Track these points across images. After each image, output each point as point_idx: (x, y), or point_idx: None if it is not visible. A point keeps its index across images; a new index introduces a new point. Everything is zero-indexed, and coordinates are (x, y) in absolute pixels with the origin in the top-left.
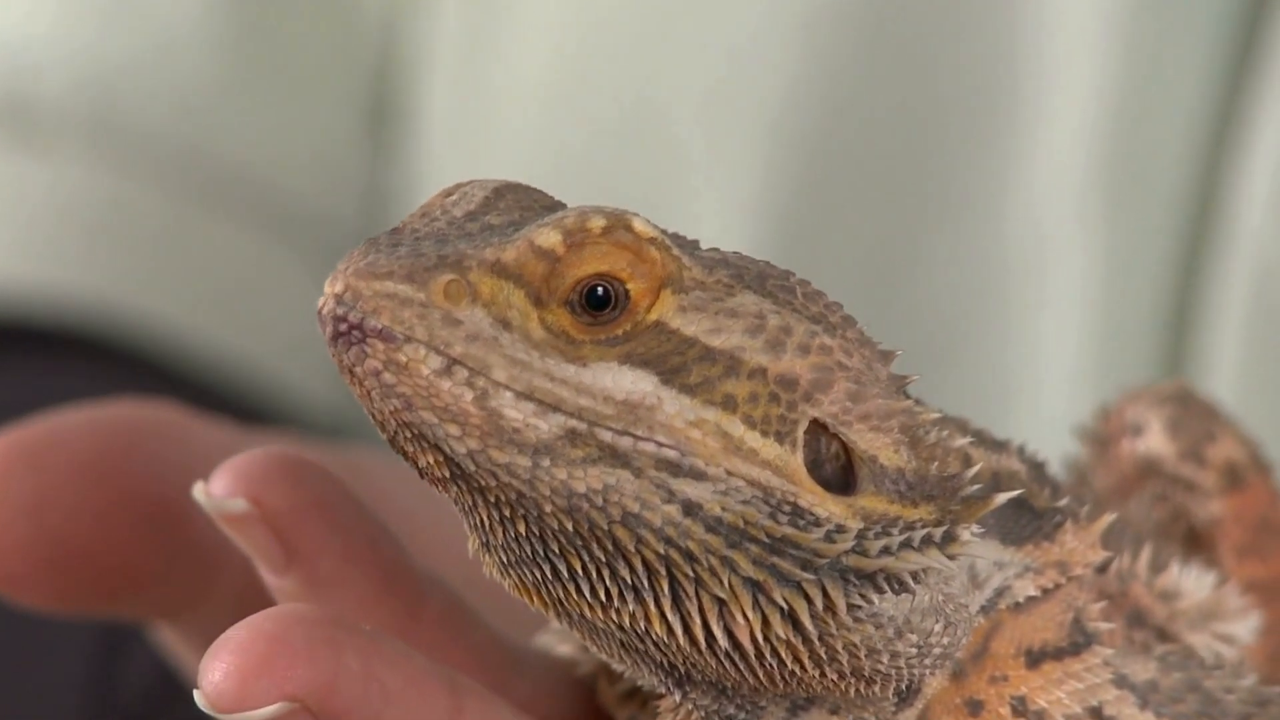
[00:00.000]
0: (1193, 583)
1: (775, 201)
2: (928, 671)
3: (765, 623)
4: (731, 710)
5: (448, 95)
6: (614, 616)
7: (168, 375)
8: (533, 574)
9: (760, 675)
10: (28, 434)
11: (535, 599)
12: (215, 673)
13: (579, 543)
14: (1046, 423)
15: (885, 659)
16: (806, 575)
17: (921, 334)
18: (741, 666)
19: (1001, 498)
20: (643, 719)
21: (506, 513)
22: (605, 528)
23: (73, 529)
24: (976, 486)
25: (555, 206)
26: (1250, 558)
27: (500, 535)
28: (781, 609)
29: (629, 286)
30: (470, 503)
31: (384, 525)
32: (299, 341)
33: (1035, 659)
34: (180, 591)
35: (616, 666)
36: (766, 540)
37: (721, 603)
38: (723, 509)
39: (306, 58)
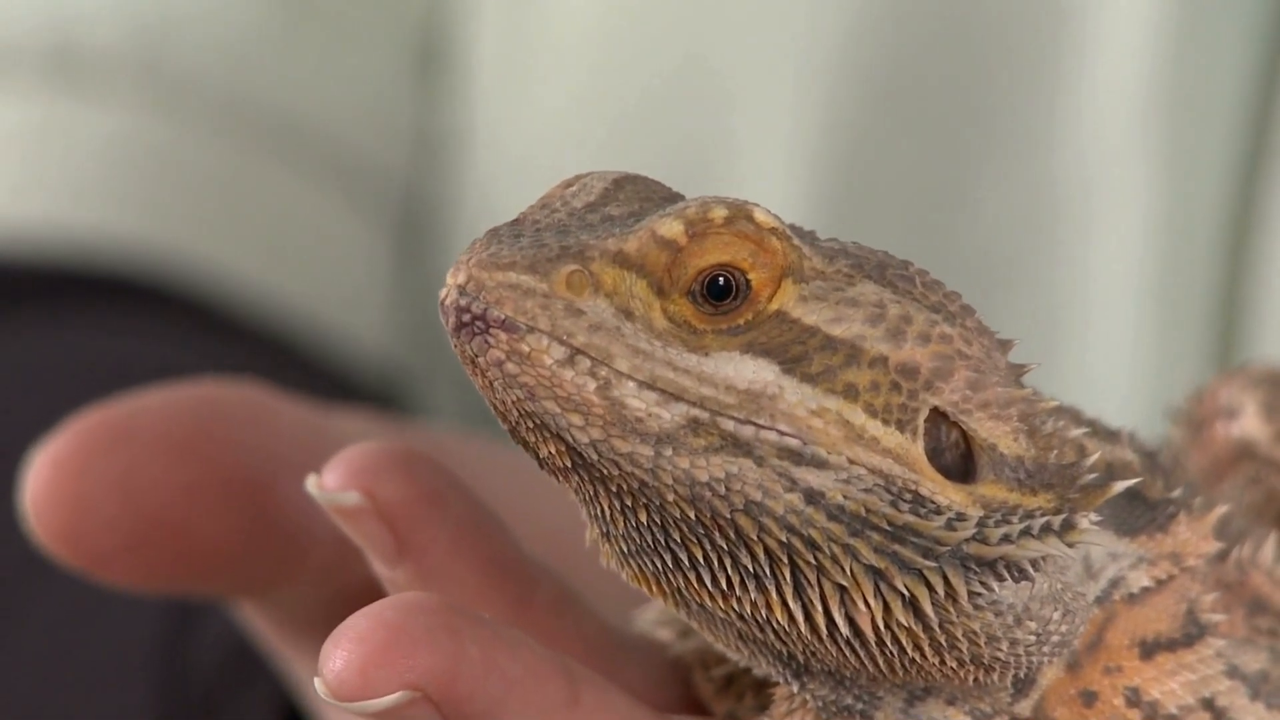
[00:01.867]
0: None
1: (827, 145)
2: (1045, 660)
3: (887, 610)
4: (849, 700)
5: (496, 41)
6: (735, 605)
7: (219, 321)
8: (653, 563)
9: (880, 663)
10: (114, 412)
11: (655, 588)
12: (336, 661)
13: (701, 531)
14: (1099, 356)
15: (1005, 646)
16: (928, 563)
17: (973, 267)
18: (862, 654)
19: (1120, 485)
20: (740, 711)
21: (628, 502)
22: (728, 516)
23: (160, 507)
24: (1094, 475)
25: (675, 198)
26: None
27: (621, 525)
28: (903, 596)
29: (750, 276)
30: (591, 492)
31: (493, 514)
32: (350, 290)
33: (1149, 650)
34: (265, 570)
35: (733, 656)
36: (888, 528)
37: (843, 590)
38: (845, 497)
39: (355, 3)
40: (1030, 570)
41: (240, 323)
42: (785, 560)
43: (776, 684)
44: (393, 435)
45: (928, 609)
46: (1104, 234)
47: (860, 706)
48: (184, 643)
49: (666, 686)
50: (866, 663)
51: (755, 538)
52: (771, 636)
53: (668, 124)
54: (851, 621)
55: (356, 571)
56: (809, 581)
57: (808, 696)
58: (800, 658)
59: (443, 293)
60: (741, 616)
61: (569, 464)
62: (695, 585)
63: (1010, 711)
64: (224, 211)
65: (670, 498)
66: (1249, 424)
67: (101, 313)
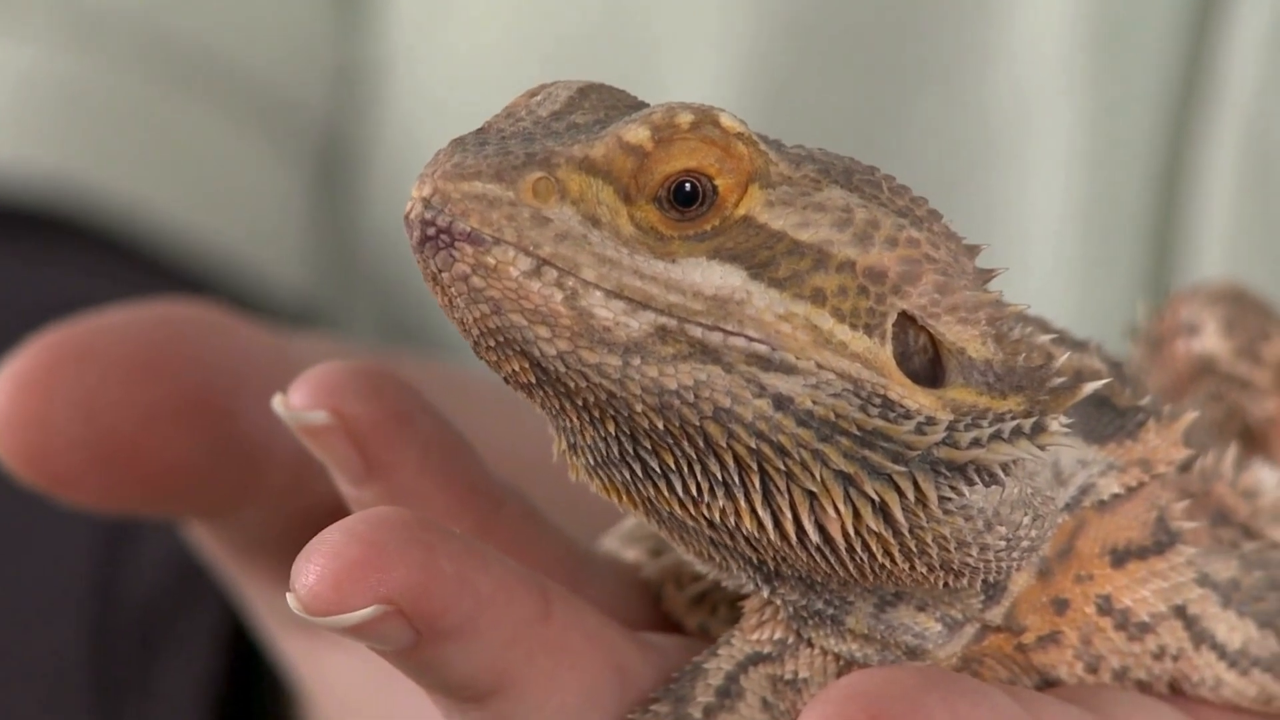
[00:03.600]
0: (1272, 480)
1: (753, 81)
2: (1015, 565)
3: (856, 515)
4: (820, 605)
5: None
6: (705, 512)
7: (135, 256)
8: (622, 473)
9: (850, 568)
10: (73, 332)
11: (624, 498)
12: (309, 575)
13: (670, 440)
14: (1035, 287)
15: (975, 551)
16: (897, 468)
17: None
18: (832, 560)
19: (1089, 387)
20: (712, 624)
21: (596, 414)
22: (697, 423)
23: (122, 427)
24: (1062, 379)
25: (639, 106)
26: None
27: (589, 435)
28: (873, 501)
29: (717, 182)
30: (558, 406)
31: (460, 434)
32: (267, 225)
33: (1120, 558)
34: (225, 491)
35: (704, 568)
36: (857, 433)
37: (813, 496)
38: (813, 402)
39: None
40: (1000, 474)
41: (157, 258)
42: (754, 467)
43: (746, 598)
44: (354, 356)
45: (898, 514)
46: (1035, 165)
47: (831, 611)
48: (120, 567)
49: (632, 604)
50: (837, 568)
51: (724, 444)
52: (742, 543)
53: (591, 65)
54: (821, 528)
55: (314, 494)
56: (778, 488)
57: (778, 602)
58: (771, 564)
59: (407, 206)
60: (712, 524)
61: (534, 379)
62: (665, 494)
63: (981, 618)
64: (139, 146)
65: (639, 407)
66: (1209, 340)
67: (17, 246)
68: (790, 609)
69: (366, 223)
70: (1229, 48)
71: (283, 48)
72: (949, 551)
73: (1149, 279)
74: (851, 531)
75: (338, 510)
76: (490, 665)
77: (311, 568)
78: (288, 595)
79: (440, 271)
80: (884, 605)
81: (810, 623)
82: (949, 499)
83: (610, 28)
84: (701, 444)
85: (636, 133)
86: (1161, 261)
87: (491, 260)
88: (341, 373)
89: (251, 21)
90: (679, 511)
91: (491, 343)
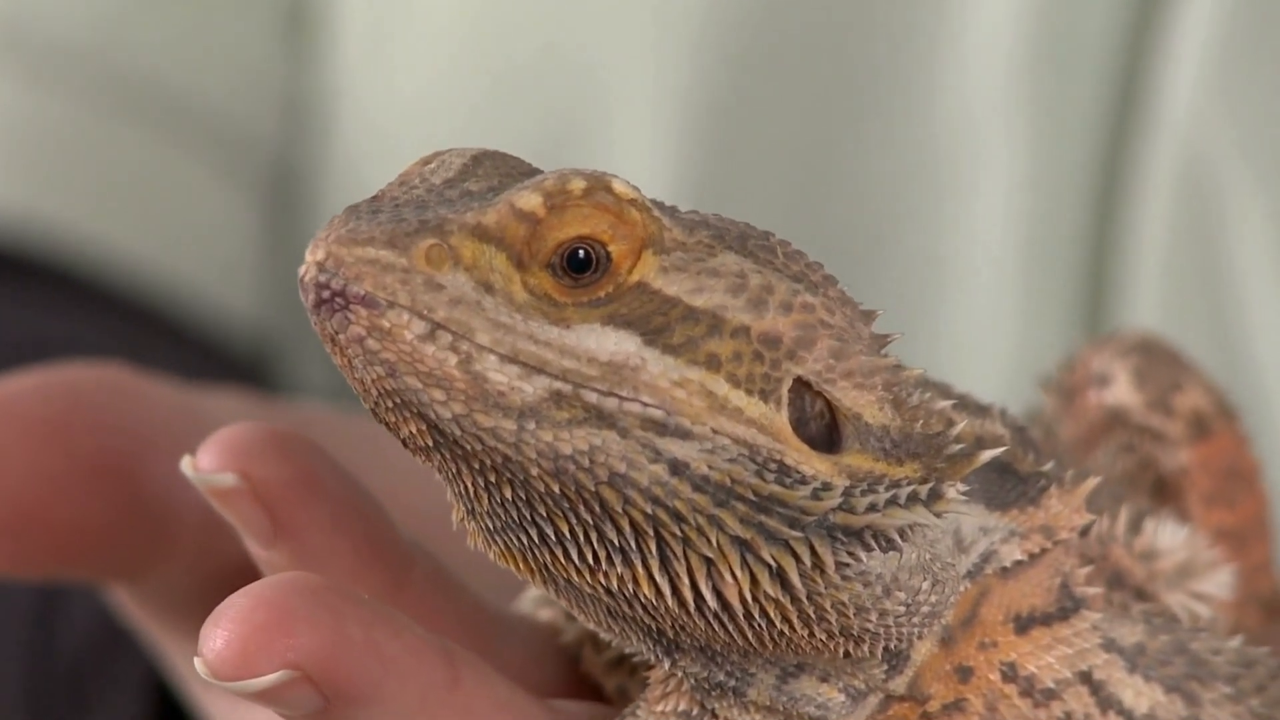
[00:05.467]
0: (1169, 540)
1: (695, 112)
2: (916, 632)
3: (754, 581)
4: (721, 677)
5: (364, 8)
6: (602, 580)
7: (87, 291)
8: (519, 539)
9: (749, 636)
10: None
11: (522, 565)
12: (216, 640)
13: (566, 505)
14: (977, 309)
15: (874, 617)
16: (794, 533)
17: (853, 223)
18: (730, 627)
19: (986, 455)
20: (631, 687)
21: (492, 478)
22: (592, 489)
23: (25, 492)
24: (961, 445)
25: (533, 173)
26: (1218, 506)
27: (485, 501)
28: (770, 567)
29: (610, 248)
30: (454, 470)
31: (369, 495)
32: (219, 258)
33: (1024, 625)
34: (135, 554)
35: (604, 635)
36: (754, 498)
37: (710, 562)
38: (709, 467)
39: None
40: (898, 540)
41: (108, 292)
42: (651, 533)
43: (652, 666)
44: (265, 414)
45: (795, 580)
46: (974, 195)
47: (733, 683)
48: (53, 624)
49: (546, 665)
50: (736, 636)
51: (620, 510)
52: (640, 611)
53: (534, 97)
54: (719, 594)
55: (227, 554)
56: (675, 554)
57: (680, 674)
58: (670, 633)
59: (302, 270)
60: (609, 592)
61: (430, 443)
62: (562, 560)
63: (885, 688)
64: (90, 179)
65: (534, 472)
66: (1121, 392)
67: None
68: (693, 680)
69: None
70: (1166, 70)
71: (233, 79)
72: (848, 617)
73: (1087, 299)
74: (749, 598)
75: (249, 570)
76: None
77: (219, 633)
78: (195, 660)
79: (336, 334)
80: (786, 677)
81: (713, 694)
82: (846, 564)
83: (553, 59)
84: (598, 509)
85: (529, 199)
86: (1099, 284)
87: (386, 323)
88: (250, 434)
89: (202, 53)
90: (576, 579)
91: (389, 404)
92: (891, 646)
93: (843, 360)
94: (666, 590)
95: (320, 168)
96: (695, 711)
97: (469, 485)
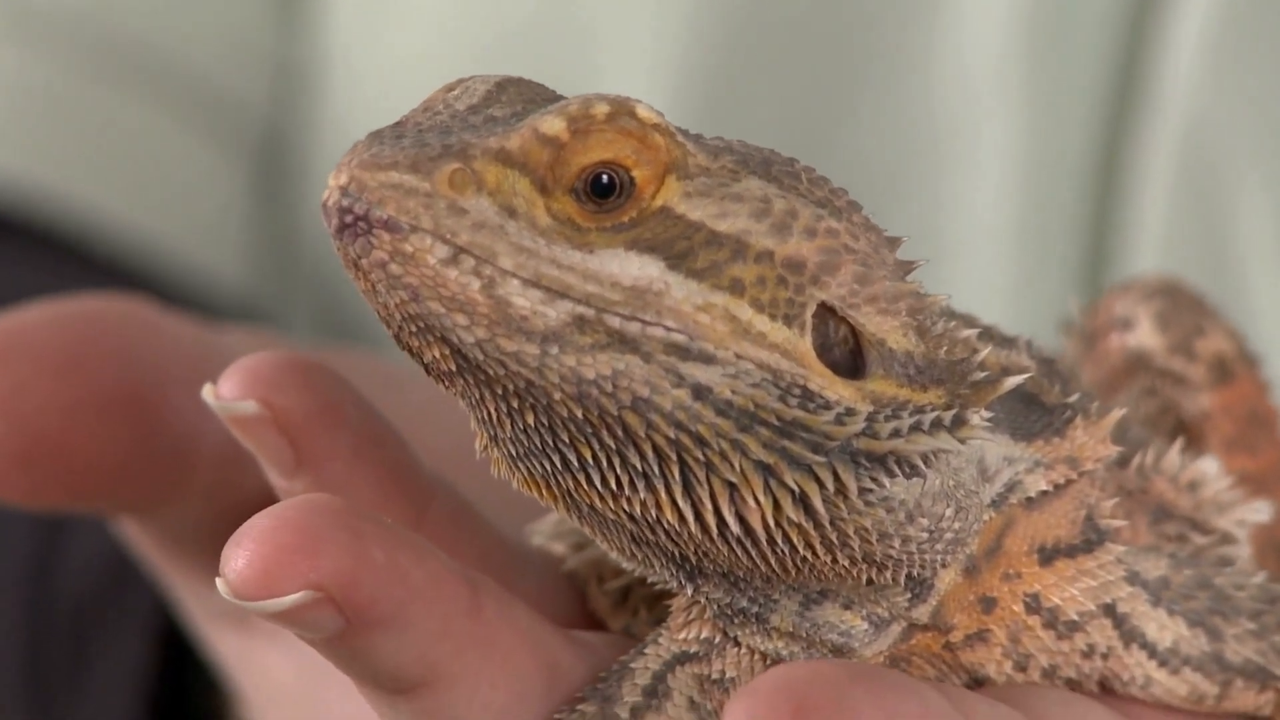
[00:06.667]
0: (1214, 470)
1: (694, 75)
2: (939, 560)
3: (776, 506)
4: (744, 603)
5: None
6: (624, 506)
7: (76, 253)
8: (542, 466)
9: (772, 562)
10: None
11: (544, 492)
12: (238, 560)
13: (589, 430)
14: (975, 280)
15: (896, 543)
16: (817, 458)
17: (851, 194)
18: (753, 553)
19: (1011, 381)
20: (635, 626)
21: (515, 404)
22: (615, 414)
23: (45, 424)
24: (985, 373)
25: (557, 99)
26: (1239, 451)
27: (509, 427)
28: (793, 492)
29: (634, 173)
30: (478, 396)
31: (391, 426)
32: (209, 222)
33: (1048, 556)
34: (151, 487)
35: (626, 564)
36: (777, 423)
37: (733, 487)
38: (732, 392)
39: None
40: (921, 466)
41: (95, 254)
42: (674, 457)
43: (672, 597)
44: (285, 349)
45: (818, 505)
46: (972, 170)
47: (755, 609)
48: (53, 563)
49: (562, 600)
50: (759, 562)
51: (643, 435)
52: (663, 537)
53: (528, 62)
54: (742, 519)
55: (243, 489)
56: (698, 479)
57: (703, 601)
58: (693, 559)
59: (324, 194)
60: (632, 517)
61: (454, 367)
62: (585, 486)
63: (908, 616)
64: (79, 142)
65: (557, 396)
66: (1143, 335)
67: None
68: (715, 607)
69: (305, 221)
70: (1166, 50)
71: (223, 45)
72: (870, 543)
73: (1085, 279)
74: (772, 523)
75: (267, 504)
76: (419, 657)
77: (241, 553)
78: (217, 580)
79: (359, 258)
80: (809, 603)
81: (736, 621)
82: (869, 490)
83: (547, 25)
84: (620, 434)
85: (552, 124)
86: (1097, 262)
87: (409, 247)
88: (272, 363)
89: (192, 18)
90: (599, 505)
91: (412, 329)
92: (914, 574)
93: (866, 286)
94: (689, 515)
95: (311, 133)
96: (718, 639)
97: (491, 411)
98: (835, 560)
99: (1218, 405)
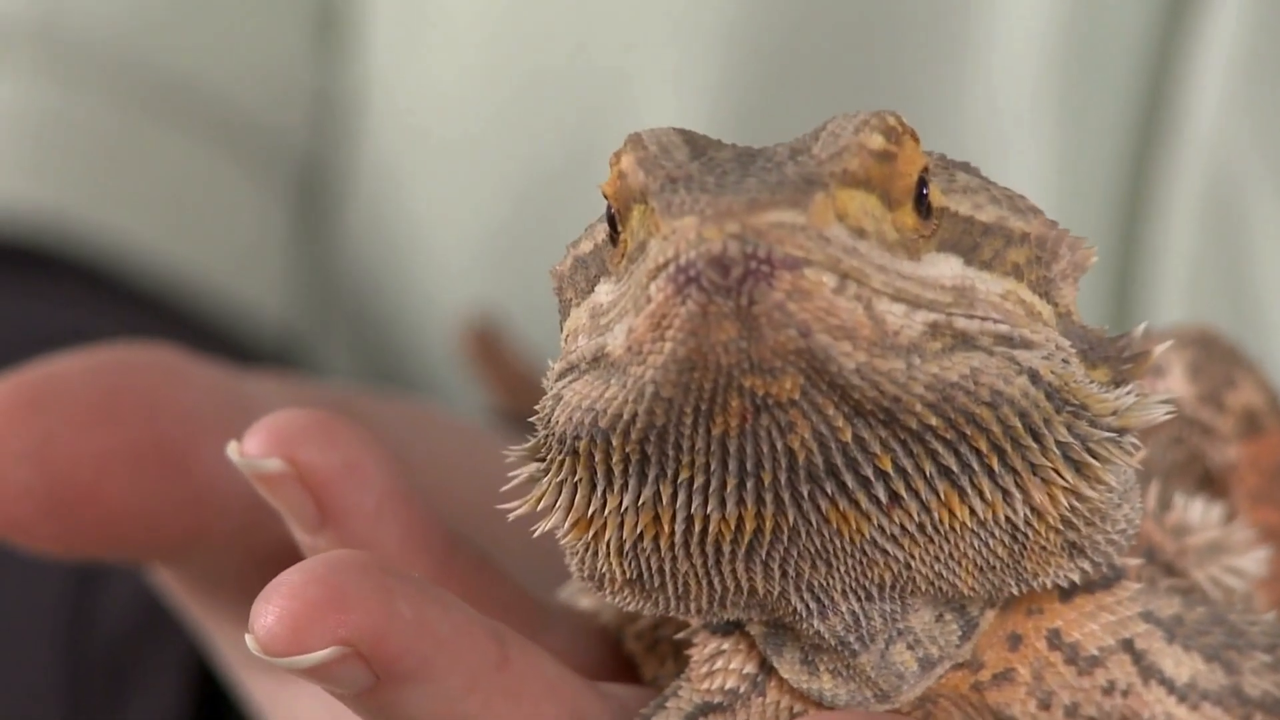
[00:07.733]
0: (1200, 517)
1: (728, 104)
2: (1119, 550)
3: (1066, 488)
4: (852, 637)
5: (393, 8)
6: (899, 513)
7: (115, 287)
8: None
9: (1014, 550)
10: (28, 378)
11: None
12: (268, 616)
13: (929, 435)
14: None
15: (1109, 526)
16: (1103, 433)
17: None
18: (1012, 546)
19: (1160, 348)
20: (663, 676)
21: (852, 424)
22: (975, 410)
23: (75, 473)
24: (1135, 350)
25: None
26: (1265, 504)
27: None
28: (1080, 468)
29: (925, 175)
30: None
31: (414, 482)
32: (246, 255)
33: (1068, 591)
34: (180, 535)
35: (736, 609)
36: (1074, 402)
37: (1034, 469)
38: (1052, 373)
39: None
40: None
41: (136, 289)
42: (1007, 448)
43: (691, 646)
44: (308, 397)
45: (1109, 479)
46: None
47: (853, 639)
48: (91, 606)
49: (590, 651)
50: (1003, 556)
51: (994, 429)
52: (898, 547)
53: (564, 94)
54: (1031, 505)
55: (272, 536)
56: (1010, 466)
57: (749, 637)
58: (890, 577)
59: (695, 252)
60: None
61: (797, 397)
62: (860, 498)
63: (955, 655)
64: (119, 177)
65: (917, 408)
66: (1174, 383)
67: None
68: (771, 645)
69: (345, 252)
70: (1192, 81)
71: (262, 75)
72: (1094, 524)
73: (1112, 307)
74: (1051, 505)
75: (293, 552)
76: (447, 710)
77: (271, 609)
78: (246, 636)
79: (752, 304)
80: (940, 615)
81: (807, 655)
82: (1115, 468)
83: (582, 56)
84: (969, 431)
85: (876, 140)
86: (1122, 291)
87: (806, 283)
88: (296, 420)
89: (230, 49)
90: (855, 518)
91: (776, 363)
92: (1092, 564)
93: (1069, 255)
94: (979, 507)
95: (350, 166)
96: (743, 689)
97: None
98: (1049, 544)
99: (1245, 458)
